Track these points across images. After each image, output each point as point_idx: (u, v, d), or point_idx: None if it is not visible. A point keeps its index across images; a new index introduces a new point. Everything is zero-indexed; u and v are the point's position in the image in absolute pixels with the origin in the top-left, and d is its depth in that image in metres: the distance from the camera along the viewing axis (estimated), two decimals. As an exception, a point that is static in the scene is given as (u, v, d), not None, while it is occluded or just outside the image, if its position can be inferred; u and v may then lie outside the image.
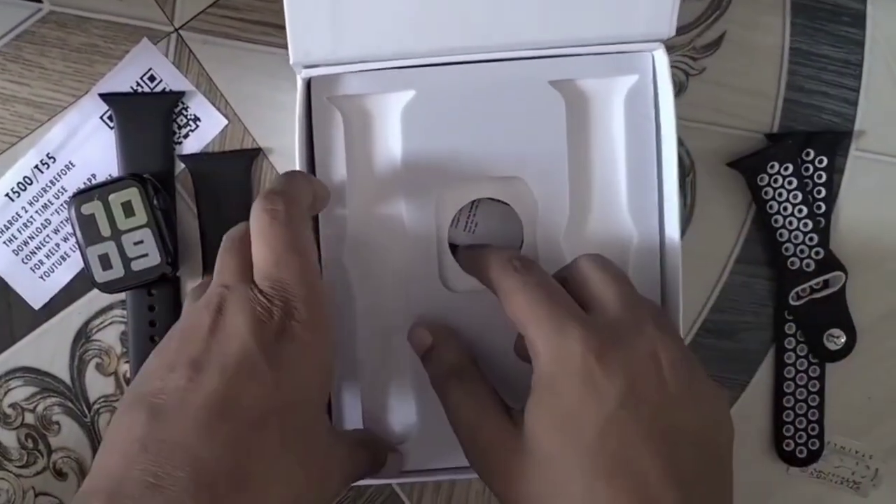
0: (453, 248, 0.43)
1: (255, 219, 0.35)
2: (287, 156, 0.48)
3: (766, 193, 0.48)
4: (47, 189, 0.48)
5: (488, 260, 0.38)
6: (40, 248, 0.48)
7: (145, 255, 0.45)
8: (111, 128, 0.48)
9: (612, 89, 0.42)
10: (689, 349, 0.36)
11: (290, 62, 0.40)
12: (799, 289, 0.48)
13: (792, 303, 0.48)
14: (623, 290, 0.36)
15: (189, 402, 0.31)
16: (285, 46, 0.40)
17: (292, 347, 0.33)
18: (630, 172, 0.43)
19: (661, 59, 0.41)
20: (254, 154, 0.48)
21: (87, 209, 0.45)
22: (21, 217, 0.48)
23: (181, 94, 0.48)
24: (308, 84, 0.41)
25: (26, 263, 0.48)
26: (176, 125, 0.48)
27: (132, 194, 0.45)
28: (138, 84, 0.48)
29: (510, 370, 0.41)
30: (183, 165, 0.48)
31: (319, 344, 0.34)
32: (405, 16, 0.40)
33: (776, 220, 0.48)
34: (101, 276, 0.45)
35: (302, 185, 0.38)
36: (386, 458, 0.41)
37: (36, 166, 0.48)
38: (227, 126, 0.48)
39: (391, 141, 0.43)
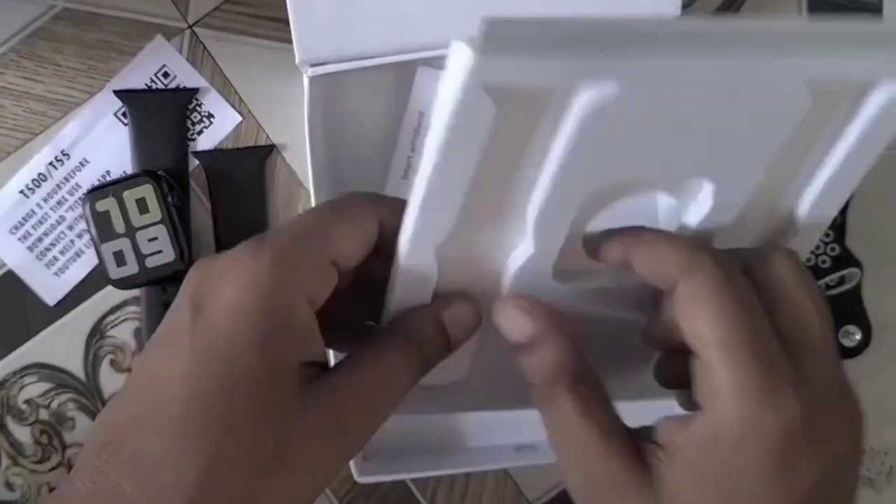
0: None
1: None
2: (301, 153, 0.48)
3: (781, 190, 0.48)
4: (62, 186, 0.48)
5: (661, 247, 0.29)
6: (55, 245, 0.48)
7: (159, 252, 0.45)
8: (125, 124, 0.48)
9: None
10: None
11: (297, 61, 0.40)
12: (814, 285, 0.48)
13: (807, 299, 0.48)
14: (828, 327, 0.29)
15: None
16: (298, 43, 0.40)
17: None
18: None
19: None
20: (268, 151, 0.48)
21: (101, 206, 0.45)
22: (36, 214, 0.48)
23: (195, 90, 0.48)
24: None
25: (41, 260, 0.48)
26: (190, 122, 0.48)
27: (146, 191, 0.45)
28: (152, 81, 0.48)
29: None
30: (197, 162, 0.48)
31: (277, 280, 0.28)
32: (409, 9, 0.40)
33: (791, 217, 0.48)
34: (115, 272, 0.46)
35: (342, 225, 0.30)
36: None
37: (50, 163, 0.48)
38: (241, 123, 0.48)
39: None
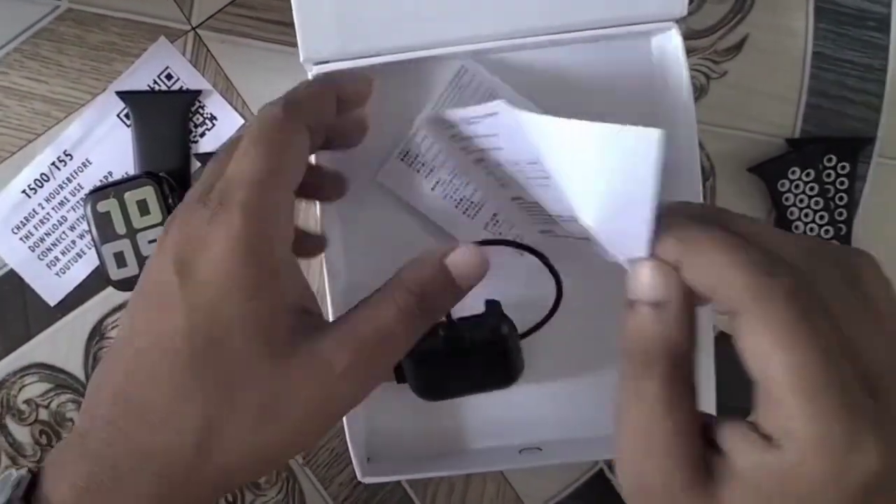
0: None
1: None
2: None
3: (786, 199, 0.47)
4: (64, 186, 0.48)
5: (720, 262, 0.26)
6: (56, 245, 0.48)
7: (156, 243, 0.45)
8: (128, 126, 0.48)
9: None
10: None
11: (301, 59, 0.40)
12: (818, 296, 0.47)
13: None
14: None
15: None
16: (301, 46, 0.40)
17: (217, 234, 0.29)
18: None
19: (675, 39, 0.41)
20: (270, 153, 0.48)
21: (102, 207, 0.45)
22: (38, 214, 0.48)
23: (198, 92, 0.48)
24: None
25: (42, 260, 0.48)
26: (192, 124, 0.48)
27: (148, 192, 0.45)
28: (155, 82, 0.48)
29: None
30: (199, 164, 0.48)
31: (252, 229, 0.29)
32: (412, 8, 0.40)
33: (796, 227, 0.48)
34: (116, 273, 0.46)
35: (316, 95, 0.34)
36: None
37: (53, 163, 0.48)
38: (242, 125, 0.48)
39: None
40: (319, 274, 0.43)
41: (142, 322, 0.30)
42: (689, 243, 0.27)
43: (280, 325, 0.29)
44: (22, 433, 0.49)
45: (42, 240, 0.48)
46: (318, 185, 0.39)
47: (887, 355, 0.25)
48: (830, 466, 0.24)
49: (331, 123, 0.35)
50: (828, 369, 0.24)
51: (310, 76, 0.41)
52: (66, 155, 0.48)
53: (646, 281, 0.28)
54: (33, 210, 0.48)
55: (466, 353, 0.41)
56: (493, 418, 0.46)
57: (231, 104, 0.48)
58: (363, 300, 0.32)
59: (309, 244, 0.39)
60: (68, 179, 0.48)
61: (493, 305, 0.42)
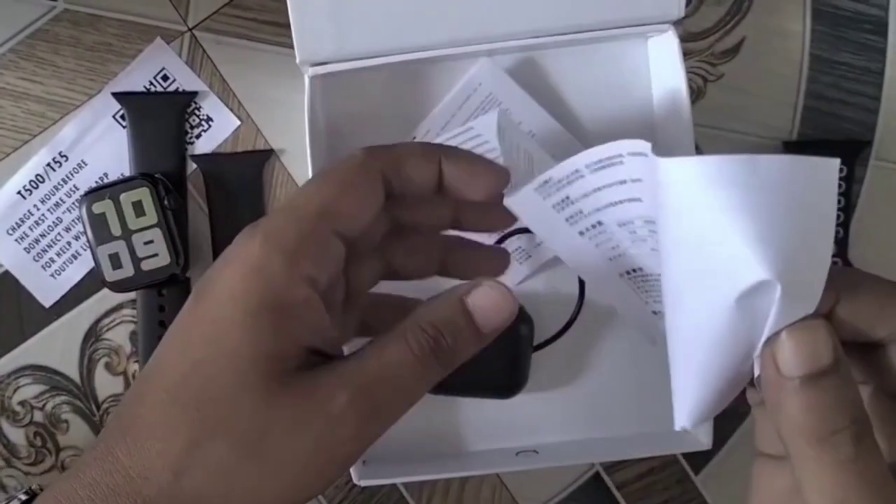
0: None
1: None
2: (299, 157, 0.48)
3: (783, 202, 0.47)
4: (59, 187, 0.48)
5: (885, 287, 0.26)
6: (51, 246, 0.48)
7: (155, 255, 0.45)
8: (124, 127, 0.48)
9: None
10: None
11: (297, 61, 0.40)
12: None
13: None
14: None
15: None
16: (298, 48, 0.40)
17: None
18: None
19: (671, 41, 0.41)
20: (266, 155, 0.48)
21: (98, 208, 0.45)
22: (33, 215, 0.48)
23: (194, 94, 0.47)
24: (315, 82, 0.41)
25: (37, 261, 0.48)
26: (188, 125, 0.48)
27: (143, 194, 0.45)
28: (151, 83, 0.48)
29: None
30: (195, 166, 0.48)
31: (266, 259, 0.27)
32: (408, 9, 0.40)
33: (793, 230, 0.48)
34: (111, 275, 0.45)
35: (412, 149, 0.31)
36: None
37: (48, 164, 0.48)
38: (239, 127, 0.48)
39: None
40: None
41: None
42: (842, 277, 0.26)
43: (279, 359, 0.27)
44: (16, 435, 0.49)
45: (37, 241, 0.48)
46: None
47: None
48: None
49: (426, 194, 0.31)
50: None
51: (306, 78, 0.41)
52: (62, 156, 0.48)
53: (799, 350, 0.25)
54: (28, 211, 0.48)
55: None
56: (490, 421, 0.46)
57: (227, 106, 0.48)
58: (374, 339, 0.29)
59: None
60: (63, 181, 0.48)
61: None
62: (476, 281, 0.29)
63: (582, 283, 0.43)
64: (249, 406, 0.27)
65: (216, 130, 0.48)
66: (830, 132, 0.48)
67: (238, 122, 0.48)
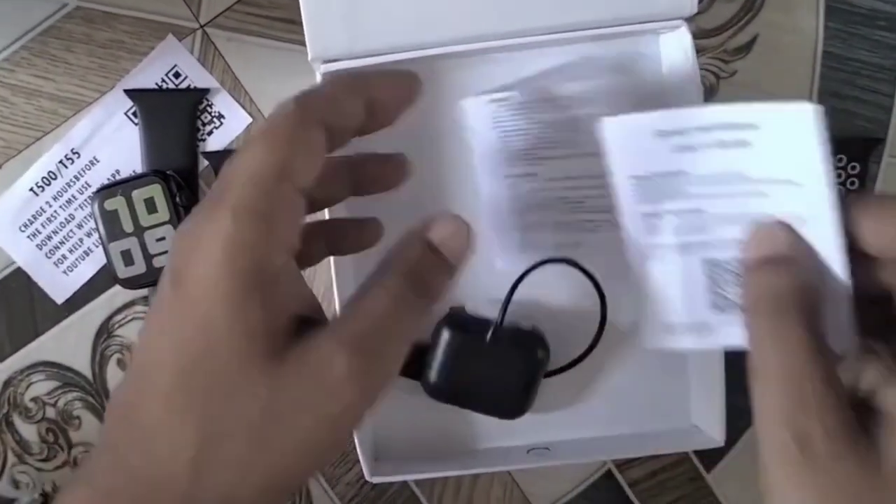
0: None
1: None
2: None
3: (796, 199, 0.47)
4: (71, 184, 0.48)
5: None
6: (64, 243, 0.48)
7: (167, 252, 0.45)
8: (136, 124, 0.48)
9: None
10: None
11: (309, 58, 0.40)
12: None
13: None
14: None
15: None
16: (310, 44, 0.40)
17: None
18: None
19: (684, 38, 0.40)
20: (277, 152, 0.48)
21: (110, 205, 0.45)
22: (45, 212, 0.48)
23: (206, 91, 0.48)
24: None
25: (50, 258, 0.48)
26: (200, 122, 0.48)
27: (155, 191, 0.45)
28: (163, 81, 0.48)
29: None
30: (207, 163, 0.48)
31: (242, 232, 0.27)
32: (421, 6, 0.40)
33: (806, 227, 0.47)
34: (123, 271, 0.46)
35: (337, 90, 0.30)
36: None
37: (60, 161, 0.48)
38: (251, 124, 0.48)
39: None
40: (327, 274, 0.42)
41: (143, 339, 0.29)
42: (866, 198, 0.30)
43: (272, 334, 0.27)
44: (29, 431, 0.49)
45: (49, 238, 0.48)
46: (342, 236, 0.36)
47: None
48: None
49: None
50: None
51: (318, 75, 0.41)
52: (74, 153, 0.48)
53: (764, 236, 0.30)
54: (40, 208, 0.48)
55: (493, 360, 0.42)
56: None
57: (239, 102, 0.48)
58: (354, 293, 0.30)
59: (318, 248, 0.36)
60: (76, 177, 0.48)
61: (537, 330, 0.43)
62: (429, 216, 0.31)
63: (604, 308, 0.43)
64: (255, 394, 0.27)
65: (228, 127, 0.48)
66: (844, 129, 0.48)
67: (250, 119, 0.48)
